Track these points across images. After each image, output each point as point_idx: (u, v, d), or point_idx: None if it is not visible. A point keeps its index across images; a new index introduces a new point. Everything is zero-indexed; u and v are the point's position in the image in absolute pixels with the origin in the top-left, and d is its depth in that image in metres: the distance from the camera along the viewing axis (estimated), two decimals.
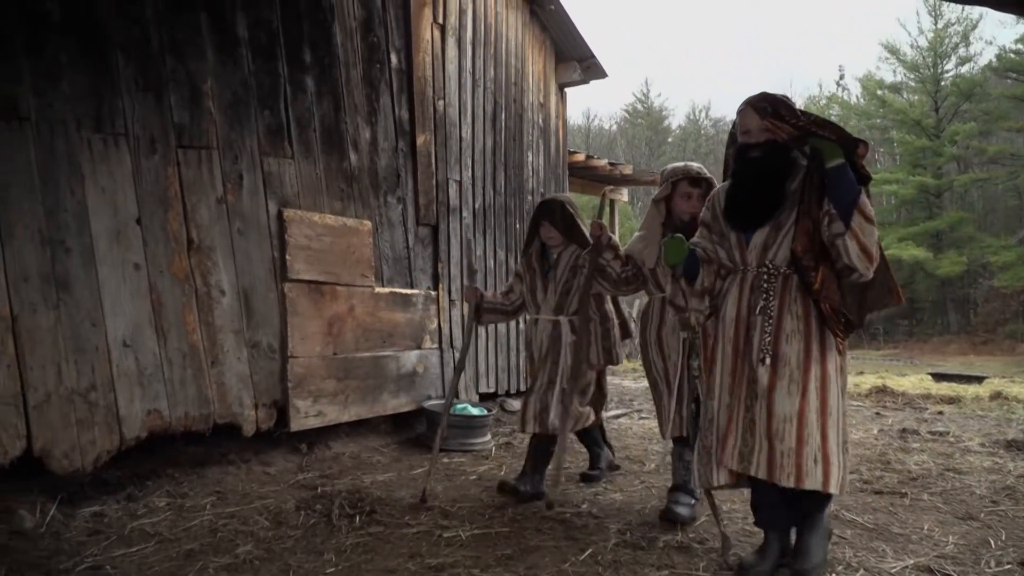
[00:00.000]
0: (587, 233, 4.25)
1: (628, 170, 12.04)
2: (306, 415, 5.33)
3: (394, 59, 6.29)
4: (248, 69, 5.10)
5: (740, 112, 2.97)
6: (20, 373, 3.93)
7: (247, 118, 5.08)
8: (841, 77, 49.73)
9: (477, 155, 7.28)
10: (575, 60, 8.51)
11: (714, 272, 3.13)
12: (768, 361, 2.83)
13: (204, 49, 4.84)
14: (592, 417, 4.49)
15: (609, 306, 4.43)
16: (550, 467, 4.43)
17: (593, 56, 8.54)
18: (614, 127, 46.69)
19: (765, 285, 2.91)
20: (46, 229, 4.06)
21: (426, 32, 6.59)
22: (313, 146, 5.54)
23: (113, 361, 4.29)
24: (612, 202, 13.31)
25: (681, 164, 4.01)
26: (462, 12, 7.06)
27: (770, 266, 2.92)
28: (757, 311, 2.91)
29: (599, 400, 4.58)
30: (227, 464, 5.00)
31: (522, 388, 7.75)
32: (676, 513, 3.92)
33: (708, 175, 3.93)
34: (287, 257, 5.24)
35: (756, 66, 69.75)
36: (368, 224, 5.89)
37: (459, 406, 6.25)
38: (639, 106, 46.56)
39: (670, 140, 45.27)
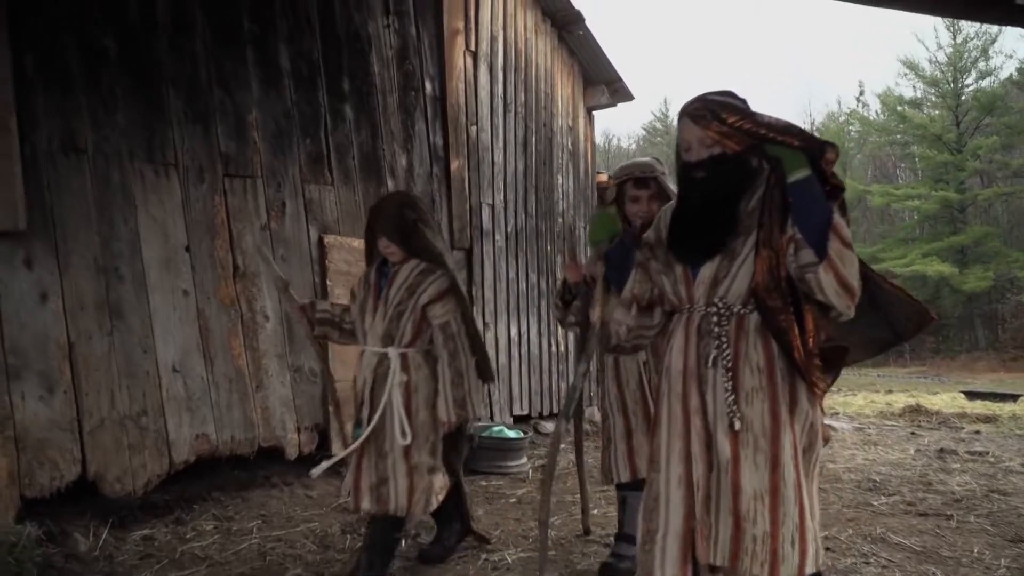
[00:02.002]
0: (434, 243, 3.27)
1: None
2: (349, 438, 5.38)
3: (428, 86, 6.40)
4: (290, 99, 5.22)
5: (678, 124, 2.39)
6: (76, 399, 4.02)
7: (289, 147, 5.19)
8: (861, 93, 49.79)
9: (509, 179, 7.37)
10: (602, 83, 8.61)
11: (649, 284, 2.50)
12: (738, 424, 2.21)
13: (249, 81, 4.96)
14: (445, 485, 3.43)
15: (462, 340, 3.24)
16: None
17: (620, 79, 8.63)
18: (633, 146, 46.87)
19: (716, 329, 2.27)
20: (101, 258, 4.16)
21: (459, 59, 6.70)
22: (352, 173, 5.64)
23: (163, 386, 4.38)
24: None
25: (628, 163, 3.46)
26: (493, 39, 7.17)
27: (720, 304, 2.27)
28: (709, 362, 2.27)
29: (453, 459, 3.53)
30: (270, 487, 5.06)
31: (555, 410, 7.78)
32: (618, 569, 3.46)
33: (656, 172, 3.31)
34: (327, 282, 5.32)
35: (775, 83, 69.80)
36: None
37: (494, 429, 6.29)
38: (658, 124, 46.72)
39: None
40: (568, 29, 8.05)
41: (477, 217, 6.88)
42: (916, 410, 9.10)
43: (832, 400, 10.61)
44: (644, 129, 47.26)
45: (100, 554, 3.88)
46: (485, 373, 3.35)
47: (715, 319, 2.27)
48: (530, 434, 6.65)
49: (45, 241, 3.99)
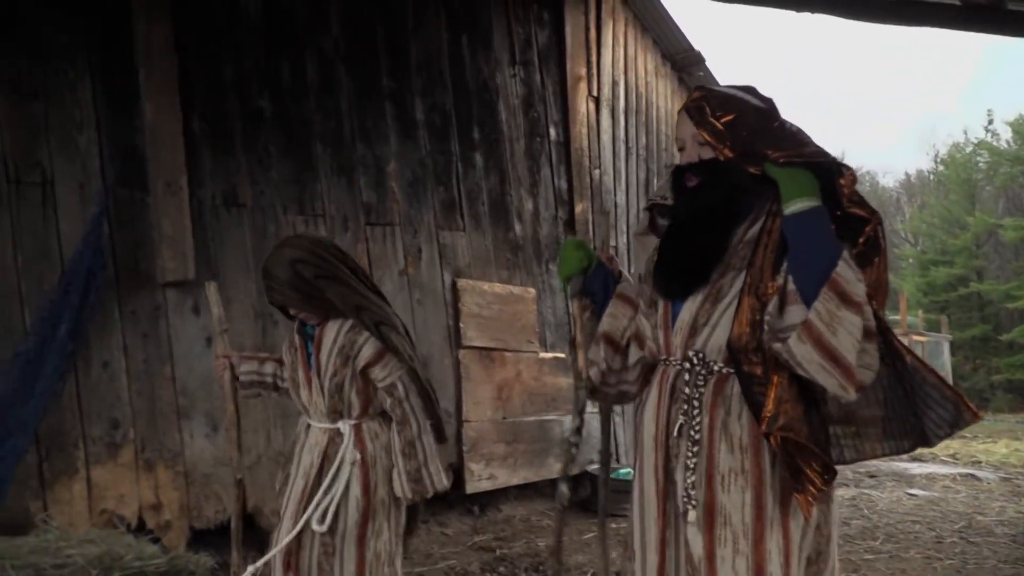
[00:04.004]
0: (351, 293, 2.58)
1: None
2: (479, 478, 5.49)
3: (553, 132, 6.56)
4: (425, 149, 5.47)
5: (677, 118, 1.95)
6: (237, 437, 4.27)
7: (424, 195, 5.43)
8: (990, 122, 47.15)
9: (631, 221, 7.41)
10: None
11: (626, 320, 2.02)
12: (694, 515, 1.71)
13: (388, 134, 5.23)
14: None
15: (412, 402, 2.60)
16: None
17: None
18: None
19: (687, 391, 1.77)
20: (258, 304, 4.45)
21: (582, 105, 6.84)
22: (482, 218, 5.82)
23: None
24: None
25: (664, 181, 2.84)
26: (615, 84, 7.29)
27: (695, 360, 1.77)
28: (676, 431, 1.78)
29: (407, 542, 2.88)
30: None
31: None
32: None
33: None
34: (460, 325, 5.49)
35: (891, 113, 67.37)
36: (532, 291, 6.10)
37: (621, 471, 6.26)
38: None
39: None
40: (688, 71, 8.09)
41: None
42: None
43: (972, 448, 10.00)
44: None
45: None
46: (439, 435, 2.71)
47: (687, 377, 1.77)
48: None
49: None
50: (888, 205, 37.84)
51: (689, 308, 1.78)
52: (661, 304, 1.86)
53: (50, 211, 3.99)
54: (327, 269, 2.53)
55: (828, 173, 1.63)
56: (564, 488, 2.28)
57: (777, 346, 1.62)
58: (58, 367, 3.84)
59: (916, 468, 8.13)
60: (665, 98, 8.05)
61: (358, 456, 2.55)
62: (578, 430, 2.33)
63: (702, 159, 1.77)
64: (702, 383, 1.75)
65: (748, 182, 1.72)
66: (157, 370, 4.18)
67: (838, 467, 1.72)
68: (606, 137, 7.13)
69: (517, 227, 6.10)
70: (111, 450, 4.04)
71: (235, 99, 4.54)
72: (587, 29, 6.88)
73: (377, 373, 2.56)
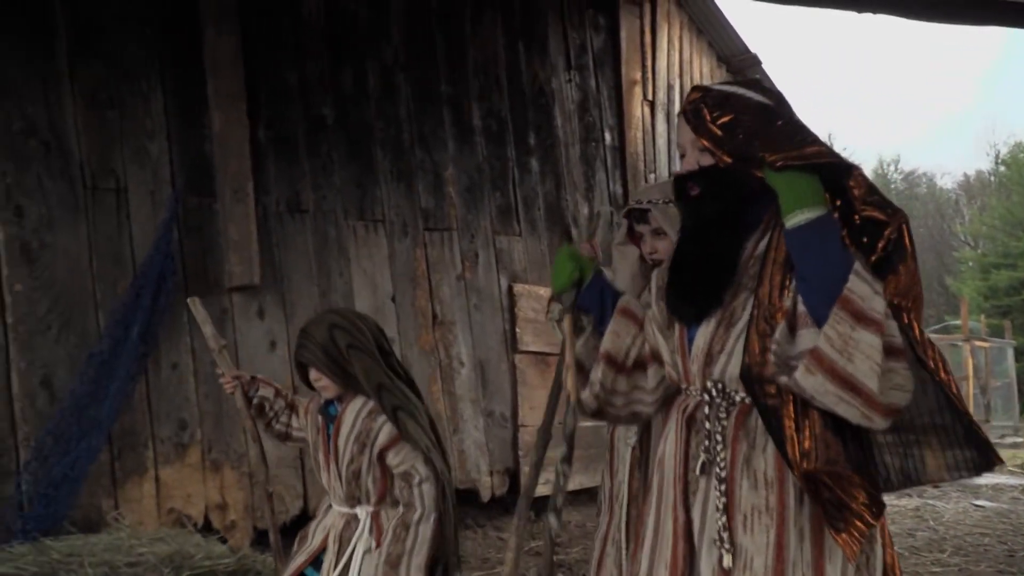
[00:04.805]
0: (374, 371, 2.52)
1: None
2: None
3: (608, 137, 6.54)
4: (482, 155, 5.51)
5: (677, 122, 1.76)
6: (261, 451, 4.36)
7: (481, 200, 5.46)
8: None
9: None
10: None
11: (630, 338, 1.83)
12: (729, 560, 1.54)
13: (446, 140, 5.28)
14: None
15: (422, 489, 2.48)
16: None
17: None
18: None
19: (708, 426, 1.61)
20: (320, 308, 4.52)
21: (637, 109, 6.81)
22: (538, 223, 5.84)
23: None
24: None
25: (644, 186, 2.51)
26: (670, 87, 7.25)
27: (715, 390, 1.61)
28: (698, 469, 1.62)
29: None
30: (464, 529, 5.23)
31: None
32: None
33: (649, 203, 2.27)
34: (516, 329, 5.51)
35: (948, 113, 65.66)
36: None
37: None
38: None
39: None
40: (744, 74, 8.00)
41: None
42: None
43: None
44: None
45: None
46: (442, 528, 2.57)
47: (707, 409, 1.61)
48: None
49: (274, 294, 4.40)
50: (947, 207, 36.88)
51: (703, 334, 1.61)
52: (677, 328, 1.68)
53: (123, 217, 4.11)
54: (361, 342, 2.53)
55: (834, 175, 1.45)
56: (553, 520, 2.11)
57: (784, 380, 1.43)
58: (130, 369, 3.95)
59: (981, 479, 7.90)
60: None
61: (373, 544, 2.51)
62: (567, 458, 2.09)
63: (702, 166, 1.60)
64: (724, 415, 1.59)
65: (755, 189, 1.54)
66: None
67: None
68: (661, 141, 7.09)
69: (573, 231, 6.08)
70: (179, 450, 4.15)
71: (298, 107, 4.63)
72: (642, 33, 6.86)
73: (391, 459, 2.51)
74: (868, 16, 4.26)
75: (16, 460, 3.74)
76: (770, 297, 1.50)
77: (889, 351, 1.37)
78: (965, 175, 38.46)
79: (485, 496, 5.23)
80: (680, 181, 1.66)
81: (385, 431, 2.49)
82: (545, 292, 5.73)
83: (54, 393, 3.84)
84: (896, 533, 5.66)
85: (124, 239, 4.11)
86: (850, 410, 1.38)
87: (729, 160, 1.52)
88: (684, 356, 1.66)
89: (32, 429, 3.77)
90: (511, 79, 5.78)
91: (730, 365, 1.57)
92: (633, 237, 2.39)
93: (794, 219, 1.43)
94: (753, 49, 7.82)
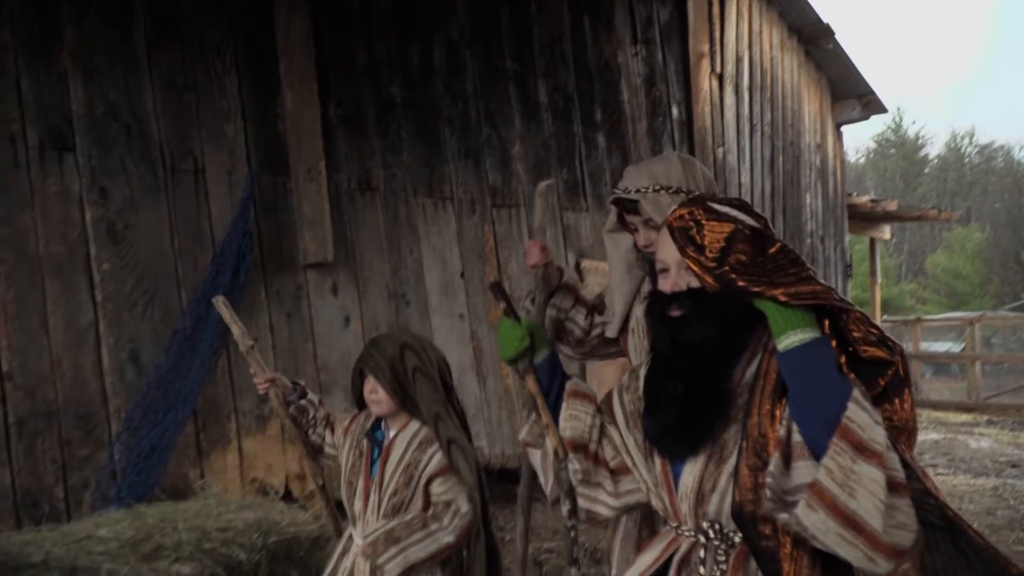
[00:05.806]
0: (432, 400, 2.42)
1: (892, 206, 11.24)
2: None
3: (675, 111, 6.45)
4: (548, 131, 5.49)
5: (659, 235, 1.60)
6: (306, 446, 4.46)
7: (548, 176, 5.45)
8: None
9: (756, 200, 7.22)
10: (854, 97, 8.22)
11: (592, 414, 1.70)
12: None
13: (512, 117, 5.29)
14: None
15: (456, 521, 2.36)
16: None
17: (872, 92, 8.20)
18: (862, 160, 43.88)
19: (703, 570, 1.47)
20: (391, 284, 4.60)
21: (704, 83, 6.70)
22: (605, 199, 5.80)
23: None
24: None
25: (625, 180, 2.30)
26: (739, 60, 7.11)
27: (711, 531, 1.48)
28: None
29: None
30: (534, 501, 5.27)
31: None
32: None
33: (637, 192, 2.14)
34: None
35: (1017, 83, 62.66)
36: None
37: None
38: (891, 135, 43.44)
39: (927, 171, 41.68)
40: (816, 44, 7.79)
41: None
42: None
43: None
44: (875, 141, 44.11)
45: None
46: (493, 568, 2.51)
47: (703, 552, 1.47)
48: None
49: (347, 271, 4.49)
50: None
51: (691, 472, 1.47)
52: (658, 460, 1.53)
53: (202, 197, 4.24)
54: (428, 369, 2.44)
55: (832, 313, 1.39)
56: (574, 573, 2.04)
57: (784, 517, 1.31)
58: (213, 343, 4.08)
59: None
60: (791, 73, 7.79)
61: None
62: (573, 512, 1.88)
63: (691, 288, 1.46)
64: (723, 558, 1.46)
65: (741, 314, 1.44)
66: (300, 347, 4.39)
67: None
68: (729, 115, 6.97)
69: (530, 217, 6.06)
70: (259, 423, 4.28)
71: (368, 86, 4.69)
72: (710, 4, 6.74)
73: (436, 487, 2.41)
74: None
75: (108, 431, 3.91)
76: (760, 428, 1.40)
77: (891, 486, 1.26)
78: None
79: None
80: (657, 302, 1.53)
81: (435, 460, 2.40)
82: None
83: (141, 367, 4.00)
84: (975, 512, 5.50)
85: (203, 218, 4.24)
86: (852, 551, 1.26)
87: (717, 287, 1.41)
88: (671, 492, 1.52)
89: (122, 402, 3.94)
90: (577, 54, 5.74)
91: (725, 504, 1.44)
92: (624, 224, 2.29)
93: (787, 340, 1.36)
94: (826, 19, 7.60)
